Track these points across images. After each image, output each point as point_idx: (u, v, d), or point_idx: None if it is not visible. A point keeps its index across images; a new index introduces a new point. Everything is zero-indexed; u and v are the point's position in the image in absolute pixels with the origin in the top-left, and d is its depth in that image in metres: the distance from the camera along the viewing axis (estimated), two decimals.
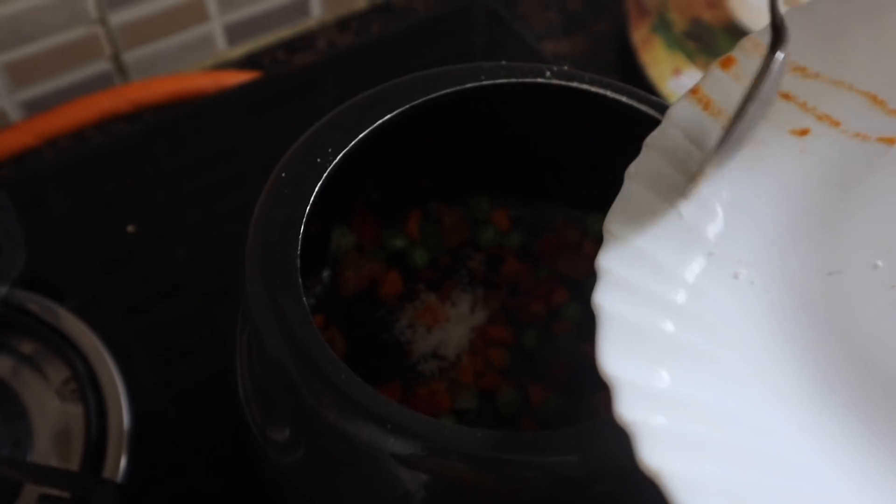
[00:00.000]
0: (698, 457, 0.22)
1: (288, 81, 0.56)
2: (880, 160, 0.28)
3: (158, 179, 0.50)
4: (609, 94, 0.33)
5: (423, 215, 0.40)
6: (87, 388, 0.41)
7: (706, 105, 0.29)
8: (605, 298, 0.25)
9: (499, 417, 0.35)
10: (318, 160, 0.32)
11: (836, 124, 0.29)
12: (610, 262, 0.26)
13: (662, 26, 0.57)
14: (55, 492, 0.36)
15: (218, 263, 0.46)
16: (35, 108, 0.55)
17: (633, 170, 0.28)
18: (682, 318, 0.25)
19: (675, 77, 0.54)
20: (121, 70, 0.57)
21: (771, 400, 0.24)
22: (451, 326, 0.37)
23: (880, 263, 0.26)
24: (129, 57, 0.57)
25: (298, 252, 0.30)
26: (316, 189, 0.31)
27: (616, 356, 0.23)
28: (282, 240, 0.30)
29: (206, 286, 0.45)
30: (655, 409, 0.22)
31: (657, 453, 0.21)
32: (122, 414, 0.40)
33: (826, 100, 0.29)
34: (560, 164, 0.39)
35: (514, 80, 0.34)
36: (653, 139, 0.29)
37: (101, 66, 0.56)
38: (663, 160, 0.28)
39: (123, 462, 0.39)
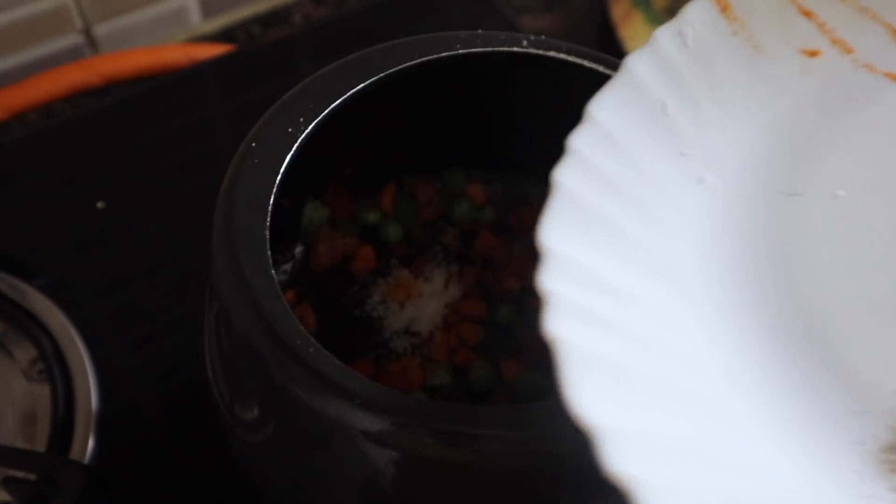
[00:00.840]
0: (599, 335, 0.21)
1: (263, 56, 0.55)
2: (879, 95, 0.28)
3: (130, 155, 0.49)
4: (587, 63, 0.33)
5: (398, 189, 0.40)
6: (55, 368, 0.40)
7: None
8: (565, 175, 0.24)
9: (472, 394, 0.35)
10: (290, 130, 0.31)
11: (849, 51, 0.28)
12: (581, 141, 0.25)
13: (642, 1, 0.57)
14: (20, 474, 0.35)
15: (191, 242, 0.45)
16: (3, 81, 0.54)
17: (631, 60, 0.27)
18: (634, 205, 0.25)
19: None
20: (92, 43, 0.56)
21: (692, 305, 0.24)
22: (424, 302, 0.37)
23: (841, 194, 0.26)
24: (101, 30, 0.56)
25: (268, 224, 0.29)
26: (287, 160, 0.30)
27: (556, 230, 0.23)
28: (251, 211, 0.29)
29: (178, 265, 0.45)
30: (573, 284, 0.22)
31: (560, 324, 0.21)
32: (91, 394, 0.40)
33: (847, 25, 0.29)
34: (537, 136, 0.38)
35: (490, 48, 0.33)
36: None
37: (72, 39, 0.55)
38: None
39: (91, 443, 0.38)
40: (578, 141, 0.25)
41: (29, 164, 0.49)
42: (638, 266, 0.24)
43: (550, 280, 0.22)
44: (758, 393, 0.22)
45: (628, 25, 0.55)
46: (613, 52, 0.54)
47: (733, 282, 0.25)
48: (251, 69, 0.53)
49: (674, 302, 0.24)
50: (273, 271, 0.28)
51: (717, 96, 0.28)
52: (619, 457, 0.19)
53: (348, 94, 0.31)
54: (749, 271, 0.25)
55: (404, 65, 0.32)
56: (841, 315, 0.24)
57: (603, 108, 0.26)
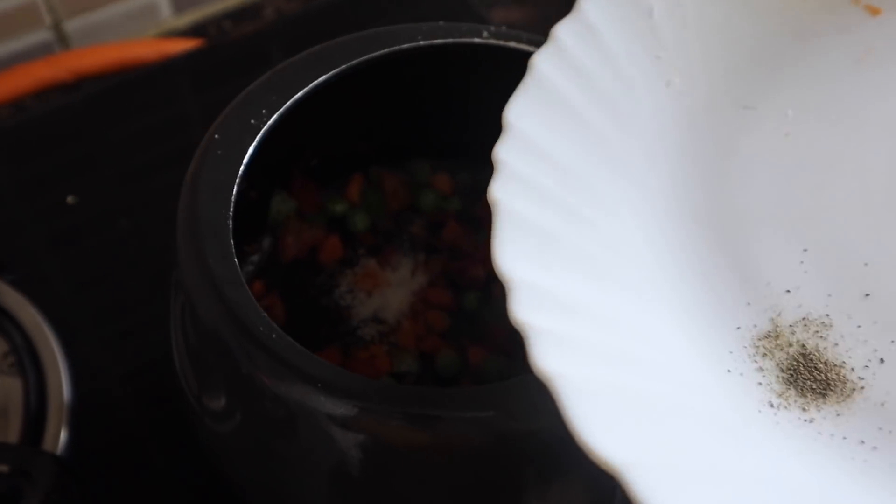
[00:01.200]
0: (530, 204, 0.23)
1: (235, 50, 0.55)
2: (853, 25, 0.29)
3: (101, 151, 0.49)
4: None
5: (365, 180, 0.40)
6: (26, 361, 0.40)
7: None
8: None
9: (439, 380, 0.35)
10: (252, 122, 0.31)
11: None
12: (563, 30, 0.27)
13: None
14: None
15: (164, 237, 0.45)
16: None
17: None
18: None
19: None
20: (62, 39, 0.56)
21: (631, 194, 0.25)
22: (392, 291, 0.37)
23: (790, 113, 0.27)
24: (71, 26, 0.56)
25: (231, 214, 0.29)
26: (250, 151, 0.31)
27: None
28: (214, 202, 0.30)
29: (150, 259, 0.45)
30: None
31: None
32: (63, 387, 0.40)
33: None
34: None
35: (451, 40, 0.33)
36: None
37: (42, 35, 0.55)
38: None
39: (64, 435, 0.38)
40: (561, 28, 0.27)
41: (0, 158, 0.49)
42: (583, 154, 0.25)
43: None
44: (667, 277, 0.24)
45: None
46: None
47: (674, 180, 0.26)
48: (223, 64, 0.54)
49: (612, 186, 0.25)
50: (236, 260, 0.28)
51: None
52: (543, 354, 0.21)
53: (311, 85, 0.32)
54: (692, 173, 0.26)
55: (366, 56, 0.32)
56: (757, 222, 0.26)
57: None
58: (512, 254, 0.23)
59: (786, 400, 0.23)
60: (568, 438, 0.26)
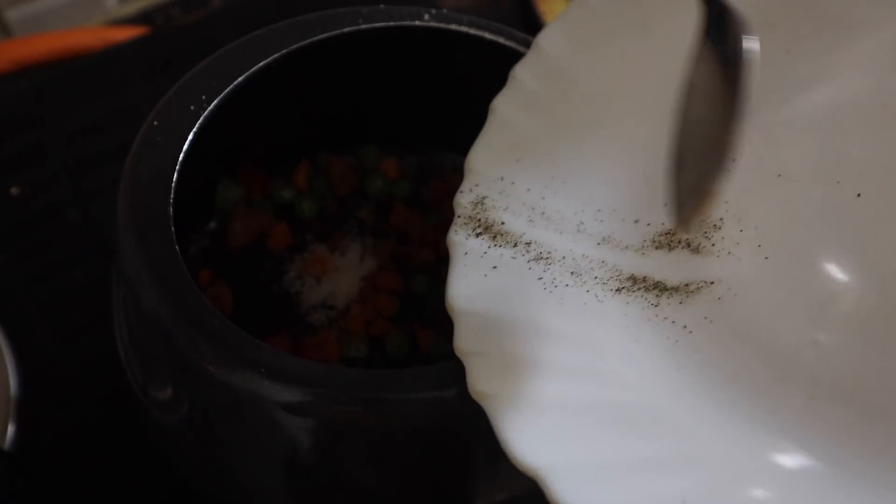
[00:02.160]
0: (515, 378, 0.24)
1: (183, 37, 0.54)
2: None
3: (47, 141, 0.48)
4: (487, 35, 0.33)
5: (312, 166, 0.40)
6: None
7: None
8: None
9: (389, 364, 0.35)
10: (192, 108, 0.31)
11: None
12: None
13: None
14: None
15: (113, 228, 0.44)
16: None
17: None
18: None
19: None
20: (4, 29, 0.55)
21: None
22: (341, 276, 0.37)
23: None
24: (13, 15, 0.55)
25: (171, 201, 0.29)
26: (189, 137, 0.30)
27: (461, 290, 0.26)
28: (154, 190, 0.29)
29: (99, 251, 0.44)
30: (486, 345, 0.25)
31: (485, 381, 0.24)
32: (9, 380, 0.39)
33: None
34: (445, 109, 0.38)
35: (391, 23, 0.33)
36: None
37: None
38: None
39: (11, 430, 0.38)
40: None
41: None
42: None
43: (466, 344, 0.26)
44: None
45: (546, 1, 0.56)
46: (534, 27, 0.55)
47: None
48: (171, 51, 0.53)
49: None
50: (177, 248, 0.28)
51: None
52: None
53: (251, 70, 0.32)
54: None
55: (307, 41, 0.32)
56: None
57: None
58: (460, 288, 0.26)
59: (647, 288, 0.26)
60: None
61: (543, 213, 0.28)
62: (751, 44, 0.20)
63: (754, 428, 0.24)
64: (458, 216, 0.28)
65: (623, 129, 0.29)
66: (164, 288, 0.27)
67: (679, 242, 0.27)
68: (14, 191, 0.45)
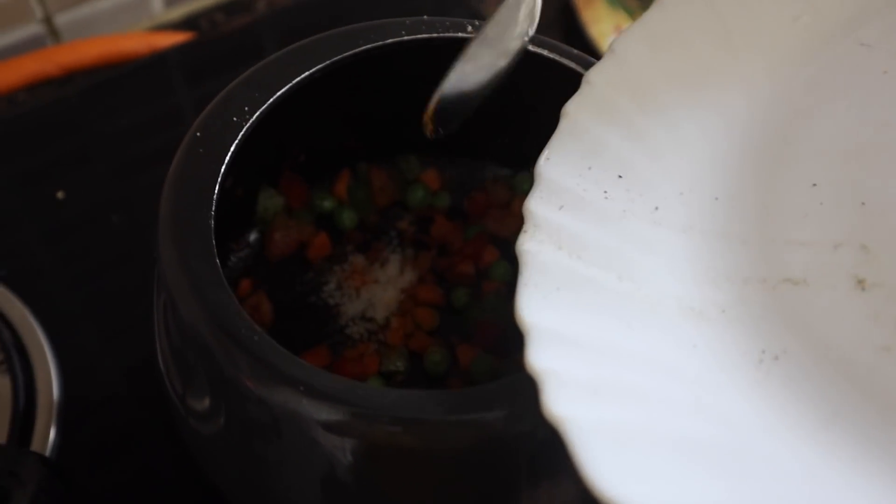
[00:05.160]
0: (599, 400, 0.22)
1: (227, 43, 0.54)
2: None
3: (92, 145, 0.49)
4: (533, 48, 0.33)
5: (352, 176, 0.40)
6: (15, 358, 0.40)
7: None
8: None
9: (427, 378, 0.35)
10: (235, 119, 0.31)
11: None
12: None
13: None
14: None
15: (156, 232, 0.45)
16: None
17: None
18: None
19: (615, 35, 0.54)
20: (53, 33, 0.55)
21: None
22: (380, 288, 0.37)
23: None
24: (62, 19, 0.55)
25: (213, 213, 0.29)
26: (231, 149, 0.30)
27: (533, 303, 0.24)
28: (196, 201, 0.29)
29: (142, 255, 0.44)
30: (566, 360, 0.23)
31: (560, 400, 0.22)
32: (52, 385, 0.40)
33: None
34: (488, 121, 0.38)
35: (434, 34, 0.33)
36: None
37: (33, 28, 0.54)
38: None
39: (52, 434, 0.38)
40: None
41: None
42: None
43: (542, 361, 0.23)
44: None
45: (590, 9, 0.55)
46: (576, 36, 0.55)
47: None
48: (216, 57, 0.53)
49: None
50: (218, 261, 0.28)
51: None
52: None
53: (294, 81, 0.31)
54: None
55: (349, 52, 0.32)
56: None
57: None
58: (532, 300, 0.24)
59: None
60: (558, 439, 0.26)
61: (620, 223, 0.26)
62: None
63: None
64: (529, 223, 0.26)
65: (700, 136, 0.28)
66: (204, 302, 0.27)
67: None
68: (60, 195, 0.46)
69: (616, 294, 0.25)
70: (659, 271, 0.25)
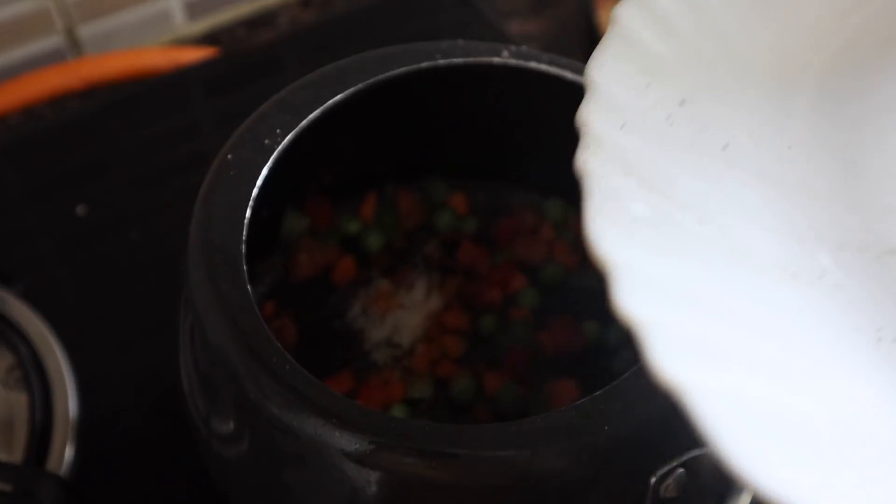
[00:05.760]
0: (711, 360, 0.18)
1: (248, 59, 0.54)
2: None
3: (112, 159, 0.49)
4: (567, 75, 0.33)
5: (379, 198, 0.39)
6: (32, 375, 0.39)
7: None
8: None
9: (453, 406, 0.35)
10: (266, 142, 0.31)
11: None
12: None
13: None
14: None
15: (174, 247, 0.44)
16: None
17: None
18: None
19: None
20: (75, 45, 0.55)
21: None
22: (406, 313, 0.36)
23: None
24: (84, 32, 0.55)
25: (244, 238, 0.29)
26: (263, 173, 0.30)
27: (612, 237, 0.19)
28: (226, 225, 0.29)
29: (161, 270, 0.44)
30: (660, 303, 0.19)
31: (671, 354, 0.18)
32: (69, 402, 0.39)
33: None
34: (518, 146, 0.38)
35: (470, 59, 0.33)
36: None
37: (54, 41, 0.54)
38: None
39: (69, 453, 0.38)
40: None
41: (9, 167, 0.48)
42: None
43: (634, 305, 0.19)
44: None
45: (607, 10, 0.55)
46: (593, 38, 0.54)
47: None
48: (236, 72, 0.53)
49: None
50: (249, 286, 0.28)
51: None
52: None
53: (326, 105, 0.31)
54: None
55: (382, 76, 0.32)
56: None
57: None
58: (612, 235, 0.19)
59: None
60: (588, 479, 0.25)
61: (690, 156, 0.22)
62: None
63: None
64: (590, 139, 0.21)
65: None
66: (234, 329, 0.27)
67: None
68: (80, 209, 0.46)
69: (699, 239, 0.21)
70: (739, 218, 0.22)
